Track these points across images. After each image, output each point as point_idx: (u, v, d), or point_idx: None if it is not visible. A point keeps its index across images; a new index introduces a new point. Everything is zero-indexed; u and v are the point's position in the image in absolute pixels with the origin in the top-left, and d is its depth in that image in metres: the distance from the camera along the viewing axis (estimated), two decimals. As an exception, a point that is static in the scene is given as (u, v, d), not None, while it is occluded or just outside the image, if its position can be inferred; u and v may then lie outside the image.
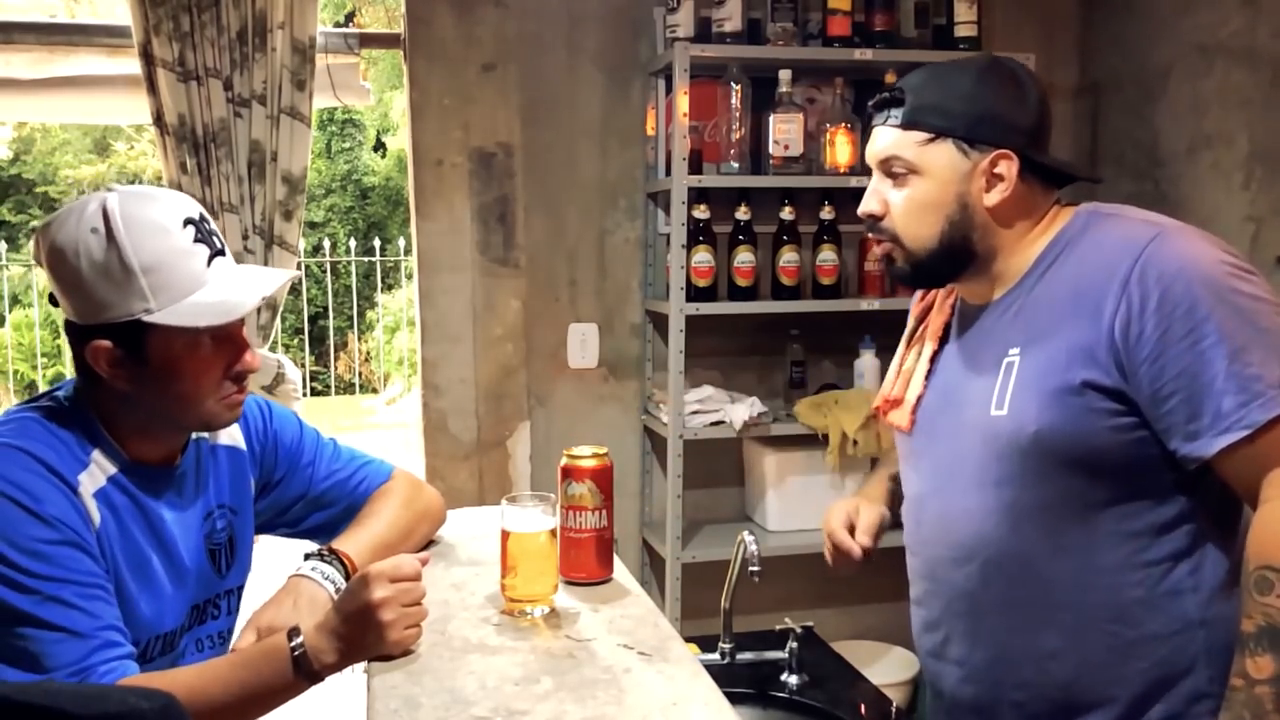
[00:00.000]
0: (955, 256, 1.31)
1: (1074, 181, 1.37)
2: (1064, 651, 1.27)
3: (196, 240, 1.25)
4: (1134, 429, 1.20)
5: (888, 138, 1.32)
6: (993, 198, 1.28)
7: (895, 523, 1.54)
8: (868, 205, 1.35)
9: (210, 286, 1.24)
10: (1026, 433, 1.23)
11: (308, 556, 1.40)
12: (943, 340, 1.42)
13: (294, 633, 1.21)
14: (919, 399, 1.41)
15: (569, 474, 1.44)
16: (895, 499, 1.56)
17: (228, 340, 1.29)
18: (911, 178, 1.30)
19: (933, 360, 1.42)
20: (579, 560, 1.44)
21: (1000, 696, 1.34)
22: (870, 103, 1.37)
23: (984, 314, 1.35)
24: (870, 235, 1.40)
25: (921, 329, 1.47)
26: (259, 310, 2.57)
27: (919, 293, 1.52)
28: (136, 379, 1.25)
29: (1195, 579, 1.24)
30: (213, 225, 1.29)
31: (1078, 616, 1.26)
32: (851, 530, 1.54)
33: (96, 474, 1.25)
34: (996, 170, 1.28)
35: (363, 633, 1.21)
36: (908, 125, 1.30)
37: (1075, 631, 1.26)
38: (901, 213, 1.31)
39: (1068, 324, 1.23)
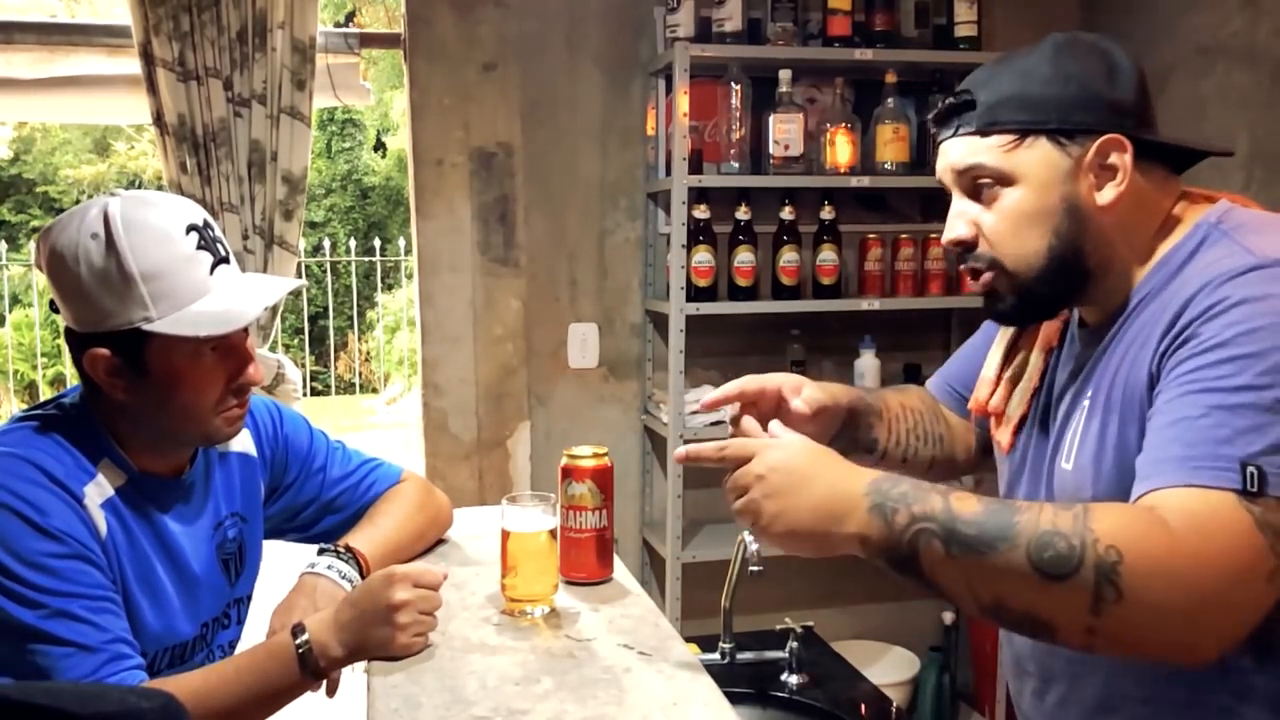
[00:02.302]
0: (1068, 275, 1.09)
1: (1202, 159, 1.13)
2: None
3: (199, 247, 1.22)
4: None
5: (963, 148, 1.10)
6: (1107, 195, 1.06)
7: (838, 433, 1.30)
8: (954, 231, 1.13)
9: (213, 295, 1.22)
10: (1084, 499, 1.04)
11: (321, 551, 1.40)
12: (1053, 352, 1.22)
13: (298, 630, 1.21)
14: (1022, 419, 1.22)
15: (569, 474, 1.44)
16: (854, 413, 1.33)
17: (231, 351, 1.26)
18: (1003, 189, 1.09)
19: (1041, 377, 1.22)
20: (579, 560, 1.44)
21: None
22: (931, 115, 1.15)
23: (1085, 340, 1.16)
24: (962, 268, 1.15)
25: (1030, 335, 1.25)
26: (259, 310, 2.56)
27: None
28: (135, 389, 1.23)
29: (1264, 677, 1.02)
30: (217, 232, 1.27)
31: (1151, 693, 1.08)
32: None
33: (103, 485, 1.23)
34: (1107, 161, 1.06)
35: (374, 630, 1.21)
36: (986, 129, 1.08)
37: (1146, 705, 1.09)
38: (997, 231, 1.10)
39: (1131, 370, 1.04)
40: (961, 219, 1.14)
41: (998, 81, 1.09)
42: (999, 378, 1.26)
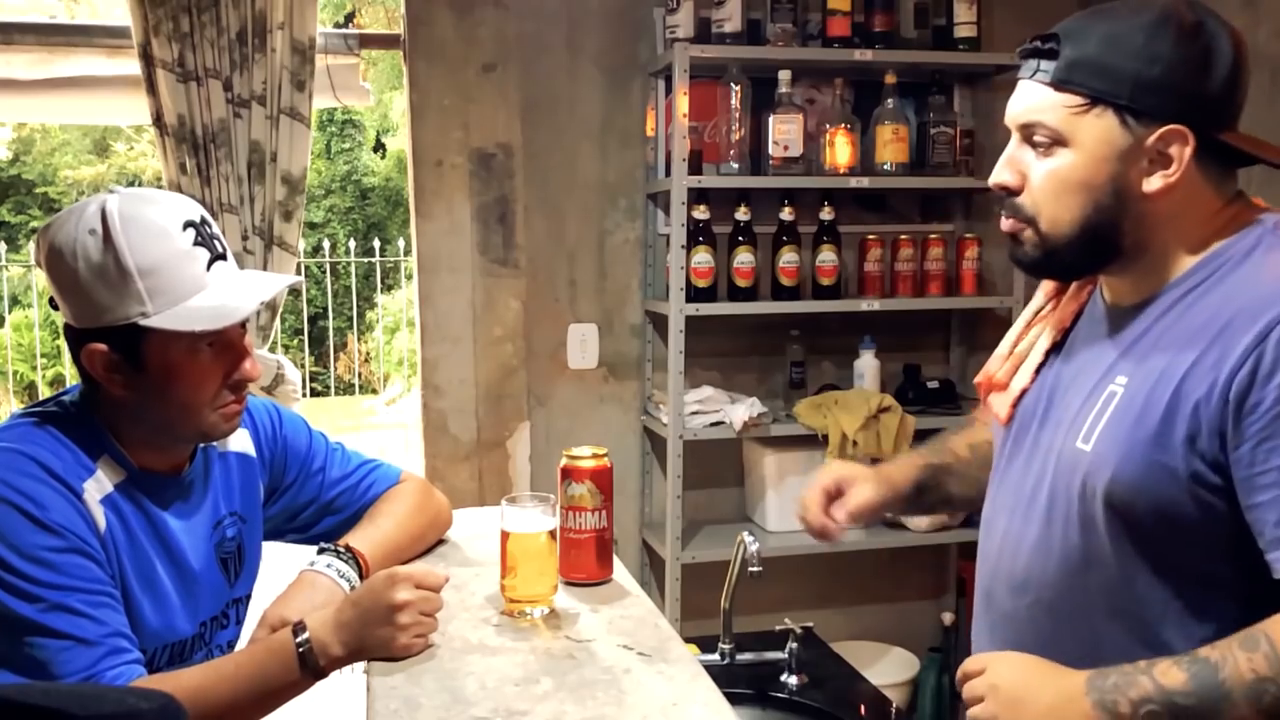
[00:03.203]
0: (1096, 249, 1.10)
1: (1258, 163, 1.12)
2: None
3: (196, 243, 1.22)
4: (1221, 511, 1.03)
5: (1033, 97, 1.09)
6: (1154, 183, 1.06)
7: (905, 509, 1.43)
8: (1000, 176, 1.14)
9: (209, 291, 1.22)
10: (1102, 479, 1.07)
11: (321, 551, 1.40)
12: (1067, 331, 1.23)
13: (299, 628, 1.21)
14: (1023, 392, 1.24)
15: (568, 474, 1.44)
16: (921, 488, 1.43)
17: (228, 347, 1.27)
18: (1057, 149, 1.08)
19: (1049, 352, 1.23)
20: (579, 561, 1.44)
21: None
22: (1018, 49, 1.14)
23: (1113, 319, 1.16)
24: (1000, 212, 1.17)
25: (1050, 308, 1.27)
26: (258, 311, 2.56)
27: None
28: (133, 385, 1.23)
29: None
30: (215, 229, 1.27)
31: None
32: (831, 502, 1.43)
33: (103, 481, 1.23)
34: (1164, 150, 1.05)
35: (375, 630, 1.21)
36: (1059, 85, 1.07)
37: None
38: (1041, 189, 1.10)
39: (1185, 367, 1.03)
40: (1011, 165, 1.14)
41: (1088, 38, 1.07)
42: (1011, 352, 1.28)
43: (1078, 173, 1.08)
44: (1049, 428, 1.18)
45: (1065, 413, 1.16)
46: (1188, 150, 1.05)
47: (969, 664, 1.14)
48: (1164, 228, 1.08)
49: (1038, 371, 1.23)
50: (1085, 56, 1.06)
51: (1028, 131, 1.11)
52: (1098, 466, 1.08)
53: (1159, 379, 1.05)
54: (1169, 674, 0.99)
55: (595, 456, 1.44)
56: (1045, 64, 1.08)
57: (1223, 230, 1.08)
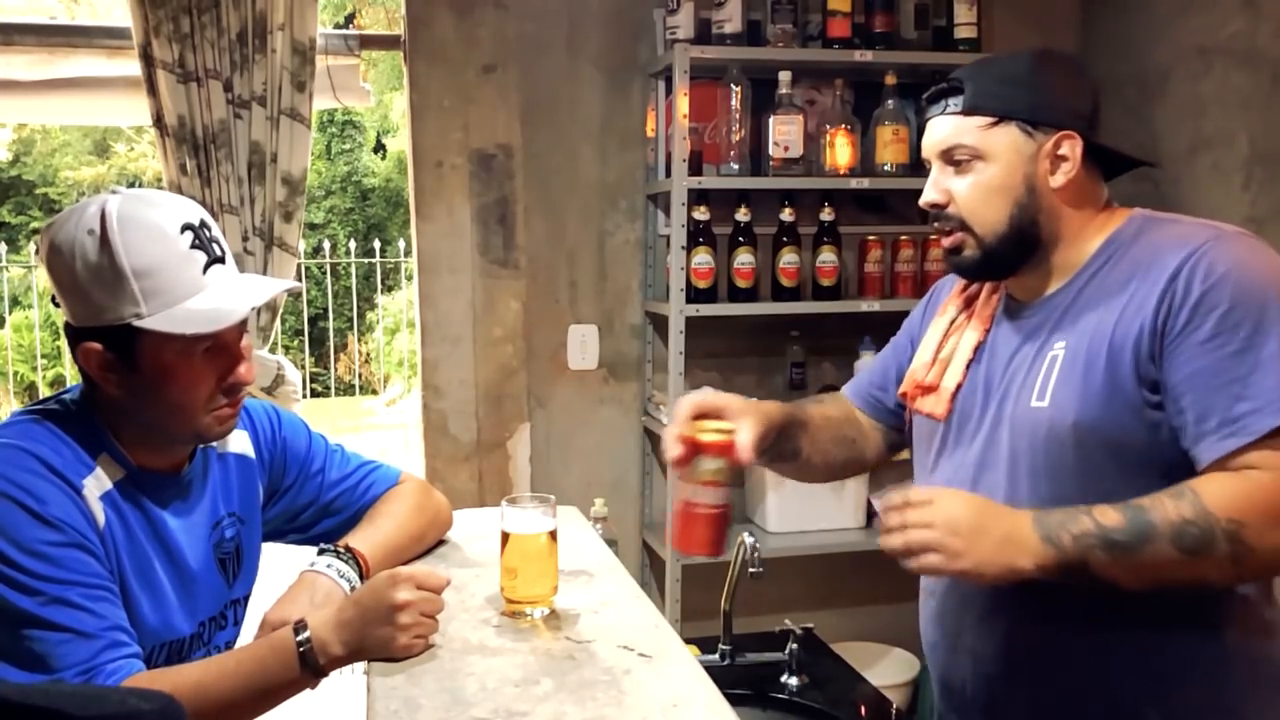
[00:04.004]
0: (1024, 241, 1.30)
1: (1131, 168, 1.36)
2: (1082, 649, 1.26)
3: (194, 246, 1.23)
4: (1168, 427, 1.20)
5: (948, 126, 1.32)
6: (1058, 179, 1.28)
7: (776, 450, 1.45)
8: (929, 196, 1.35)
9: (204, 294, 1.23)
10: (1065, 424, 1.23)
11: (321, 551, 1.40)
12: (988, 331, 1.40)
13: (300, 627, 1.21)
14: (958, 387, 1.39)
15: (702, 449, 1.36)
16: (782, 432, 1.48)
17: (223, 351, 1.27)
18: (976, 163, 1.30)
19: (975, 350, 1.39)
20: (705, 536, 1.37)
21: (1014, 692, 1.32)
22: (925, 95, 1.36)
23: (1032, 309, 1.34)
24: (935, 227, 1.38)
25: (964, 317, 1.44)
26: (259, 312, 2.57)
27: (960, 282, 1.49)
28: (127, 385, 1.24)
29: (1222, 592, 1.22)
30: (215, 232, 1.27)
31: (1099, 616, 1.25)
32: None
33: (102, 478, 1.24)
34: (1061, 151, 1.28)
35: (376, 630, 1.22)
36: (970, 111, 1.29)
37: (1095, 631, 1.25)
38: (968, 199, 1.31)
39: (1115, 320, 1.22)
40: (936, 186, 1.34)
41: (984, 75, 1.31)
42: (934, 359, 1.44)
43: (997, 178, 1.29)
44: (994, 405, 1.33)
45: (1010, 388, 1.31)
46: (1079, 149, 1.28)
47: (915, 493, 1.20)
48: (1070, 219, 1.31)
49: (967, 369, 1.39)
50: (986, 88, 1.30)
51: (949, 155, 1.32)
52: (1060, 413, 1.24)
53: (1094, 332, 1.24)
54: (1106, 515, 1.14)
55: (723, 432, 1.37)
56: (953, 100, 1.31)
57: (1108, 224, 1.31)
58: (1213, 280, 1.16)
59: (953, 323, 1.45)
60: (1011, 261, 1.33)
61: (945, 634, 1.40)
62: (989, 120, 1.29)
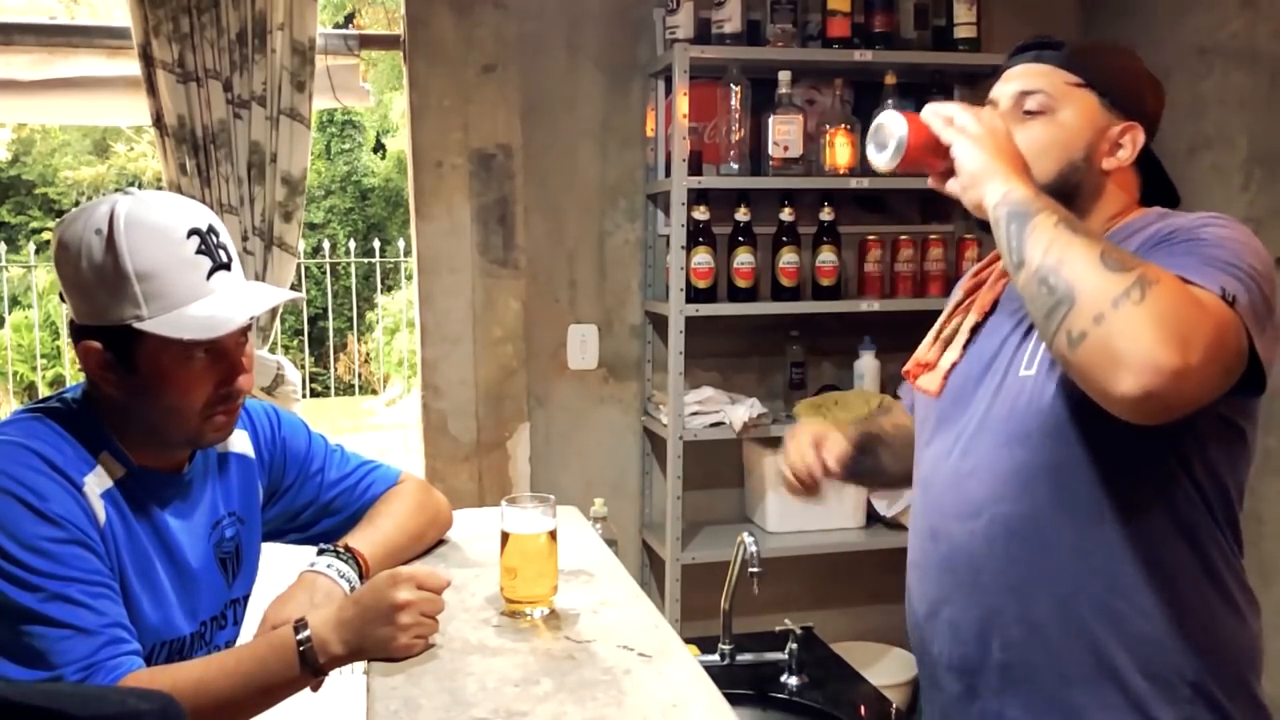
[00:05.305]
0: (1060, 200, 1.27)
1: (1160, 195, 1.40)
2: (1055, 616, 1.27)
3: (199, 252, 1.23)
4: None
5: (1037, 70, 1.34)
6: (1111, 162, 1.32)
7: (850, 469, 1.52)
8: None
9: (206, 300, 1.23)
10: (1048, 390, 1.25)
11: (321, 551, 1.40)
12: (988, 314, 1.42)
13: (301, 625, 1.22)
14: (953, 365, 1.41)
15: None
16: (862, 448, 1.55)
17: (222, 357, 1.27)
18: (1050, 116, 1.32)
19: (974, 331, 1.42)
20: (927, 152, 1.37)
21: (988, 658, 1.33)
22: (1019, 45, 1.39)
23: None
24: None
25: (968, 301, 1.47)
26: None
27: (971, 270, 1.52)
28: (124, 385, 1.24)
29: (1194, 562, 1.24)
30: (223, 239, 1.28)
31: (1073, 583, 1.26)
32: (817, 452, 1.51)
33: (102, 476, 1.24)
34: (1123, 140, 1.32)
35: (376, 630, 1.22)
36: (1065, 65, 1.33)
37: (1069, 598, 1.26)
38: (1030, 143, 1.31)
39: None
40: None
41: (1083, 50, 1.36)
42: (936, 338, 1.48)
43: (1065, 134, 1.32)
44: (989, 379, 1.35)
45: (1002, 361, 1.34)
46: (1139, 144, 1.33)
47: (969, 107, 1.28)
48: (1104, 202, 1.34)
49: (965, 349, 1.41)
50: (1083, 55, 1.34)
51: (1023, 97, 1.33)
52: (1043, 380, 1.26)
53: None
54: (1073, 223, 1.15)
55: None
56: (1049, 53, 1.34)
57: (1127, 215, 1.35)
58: (1181, 226, 1.23)
59: (958, 305, 1.48)
60: None
61: (927, 604, 1.41)
62: (1077, 80, 1.32)
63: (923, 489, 1.44)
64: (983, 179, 1.22)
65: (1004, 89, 1.36)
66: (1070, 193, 1.30)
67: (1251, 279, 1.14)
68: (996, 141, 1.24)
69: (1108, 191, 1.33)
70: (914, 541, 1.46)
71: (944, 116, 1.27)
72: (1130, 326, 1.05)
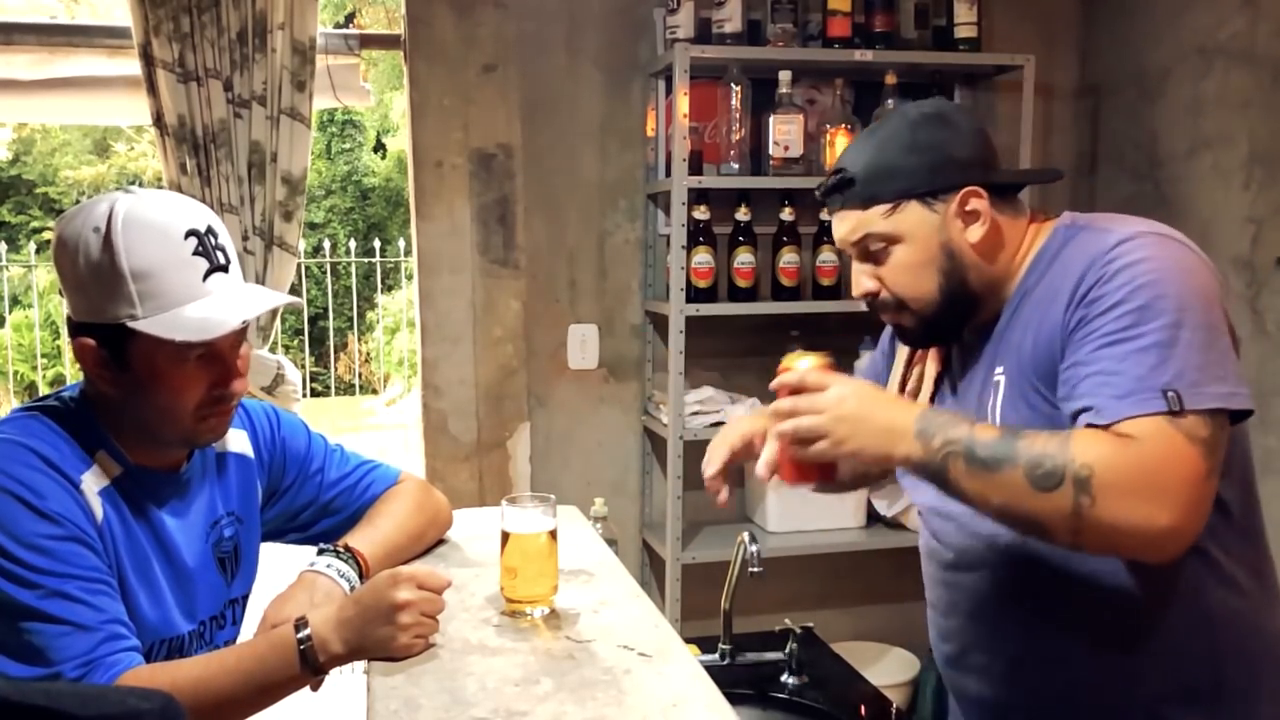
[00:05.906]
0: (959, 302, 1.31)
1: (1031, 182, 1.39)
2: (1080, 650, 1.27)
3: (196, 253, 1.23)
4: None
5: (852, 221, 1.32)
6: (974, 234, 1.28)
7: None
8: (862, 287, 1.35)
9: (201, 302, 1.23)
10: None
11: (321, 551, 1.40)
12: (946, 359, 1.42)
13: (301, 624, 1.22)
14: None
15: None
16: None
17: (216, 360, 1.26)
18: (892, 248, 1.30)
19: (938, 383, 1.42)
20: (810, 467, 1.34)
21: (1023, 701, 1.34)
22: (817, 190, 1.37)
23: (977, 339, 1.35)
24: (876, 312, 1.38)
25: (923, 353, 1.46)
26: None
27: None
28: (118, 383, 1.25)
29: (1210, 575, 1.23)
30: (221, 240, 1.27)
31: (1090, 613, 1.26)
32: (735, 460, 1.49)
33: (100, 475, 1.24)
34: (969, 208, 1.28)
35: (376, 629, 1.22)
36: (867, 202, 1.29)
37: (1089, 629, 1.26)
38: (896, 282, 1.31)
39: (1038, 335, 1.23)
40: (864, 274, 1.34)
41: (866, 156, 1.30)
42: (901, 393, 1.46)
43: (916, 256, 1.29)
44: None
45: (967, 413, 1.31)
46: (984, 201, 1.28)
47: (809, 377, 1.23)
48: (997, 260, 1.31)
49: (932, 399, 1.41)
50: (874, 171, 1.29)
51: (862, 247, 1.32)
52: None
53: (1022, 353, 1.25)
54: (985, 431, 1.15)
55: (820, 354, 1.33)
56: (848, 193, 1.31)
57: (1035, 239, 1.31)
58: (1109, 278, 1.16)
59: (913, 358, 1.47)
60: (955, 324, 1.34)
61: (952, 650, 1.43)
62: (889, 206, 1.28)
63: (927, 533, 1.45)
64: (874, 453, 1.19)
65: (840, 244, 1.36)
66: (960, 289, 1.29)
67: (1186, 318, 1.12)
68: (844, 410, 1.19)
69: (995, 248, 1.29)
70: (928, 584, 1.47)
71: (782, 412, 1.22)
72: (1105, 526, 1.08)
